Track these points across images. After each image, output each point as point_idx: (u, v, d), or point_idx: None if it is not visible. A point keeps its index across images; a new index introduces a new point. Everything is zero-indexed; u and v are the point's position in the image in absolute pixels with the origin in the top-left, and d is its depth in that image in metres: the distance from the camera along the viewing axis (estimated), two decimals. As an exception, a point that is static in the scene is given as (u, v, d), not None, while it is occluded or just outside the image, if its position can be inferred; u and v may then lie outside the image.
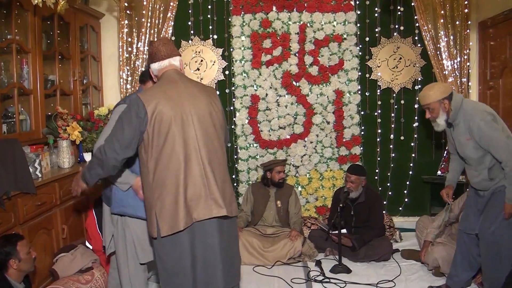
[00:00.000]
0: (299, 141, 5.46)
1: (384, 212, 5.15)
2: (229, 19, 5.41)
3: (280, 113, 5.44)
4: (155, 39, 5.01)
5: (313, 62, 5.39)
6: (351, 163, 5.21)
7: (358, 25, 5.41)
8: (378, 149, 5.55)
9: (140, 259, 3.18)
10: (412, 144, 5.48)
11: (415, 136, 5.51)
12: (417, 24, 5.26)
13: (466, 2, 5.02)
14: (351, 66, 5.40)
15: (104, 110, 4.72)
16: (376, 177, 5.58)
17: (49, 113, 4.37)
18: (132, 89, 5.09)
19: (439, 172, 5.39)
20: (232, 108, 5.47)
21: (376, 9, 5.42)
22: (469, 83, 5.18)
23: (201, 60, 5.45)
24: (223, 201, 2.62)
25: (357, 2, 5.39)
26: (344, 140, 5.45)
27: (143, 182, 2.70)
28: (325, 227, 4.67)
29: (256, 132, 5.44)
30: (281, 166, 4.98)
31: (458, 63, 5.08)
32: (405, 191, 5.59)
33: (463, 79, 5.10)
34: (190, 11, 5.40)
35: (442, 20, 5.01)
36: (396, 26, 5.41)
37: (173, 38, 5.34)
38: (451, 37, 5.04)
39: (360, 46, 5.45)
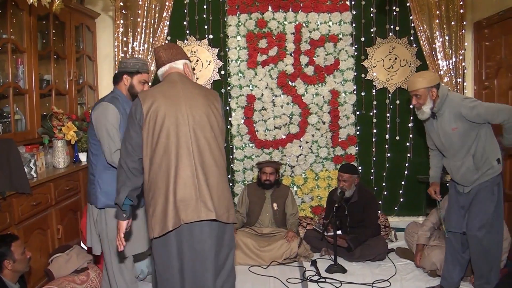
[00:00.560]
0: (294, 141, 5.47)
1: (379, 211, 5.17)
2: (225, 19, 5.40)
3: (275, 113, 5.44)
4: (155, 43, 5.03)
5: (309, 62, 5.40)
6: (346, 163, 5.22)
7: (354, 25, 5.42)
8: (373, 149, 5.56)
9: (124, 252, 3.23)
10: (408, 144, 5.50)
11: (411, 136, 5.53)
12: (412, 25, 5.27)
13: (461, 3, 5.03)
14: (346, 66, 5.40)
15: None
16: (371, 177, 5.59)
17: (45, 113, 4.36)
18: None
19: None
20: (227, 108, 5.47)
21: (371, 9, 5.42)
22: (465, 83, 5.21)
23: (197, 60, 5.45)
24: (214, 204, 2.54)
25: (353, 2, 5.39)
26: (339, 140, 5.46)
27: (143, 183, 2.68)
28: (319, 228, 4.68)
29: (251, 132, 5.44)
30: (270, 168, 4.95)
31: (453, 63, 5.09)
32: (400, 191, 5.61)
33: (458, 79, 5.11)
34: (185, 11, 5.39)
35: (437, 21, 5.02)
36: (392, 26, 5.42)
37: (168, 38, 5.33)
38: (447, 38, 5.06)
39: (356, 46, 5.46)
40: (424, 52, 5.15)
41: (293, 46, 5.38)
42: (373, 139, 5.55)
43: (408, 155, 5.54)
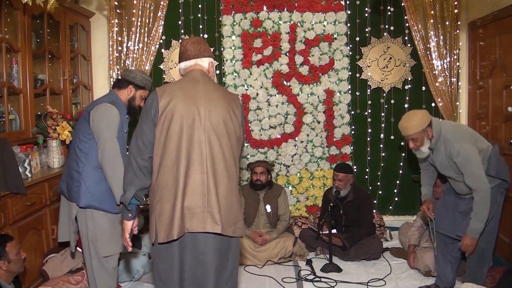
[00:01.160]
0: (289, 141, 5.47)
1: (374, 210, 5.19)
2: (220, 19, 5.40)
3: (270, 112, 5.44)
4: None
5: (304, 61, 5.40)
6: (341, 162, 5.23)
7: (349, 25, 5.42)
8: (368, 149, 5.56)
9: (102, 253, 3.21)
10: (402, 143, 5.50)
11: (405, 135, 5.53)
12: (407, 24, 5.28)
13: (455, 3, 5.05)
14: (341, 66, 5.41)
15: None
16: (366, 176, 5.59)
17: (39, 113, 4.33)
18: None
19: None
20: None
21: (366, 9, 5.43)
22: (459, 83, 5.22)
23: (192, 60, 5.42)
24: (221, 217, 2.42)
25: (348, 2, 5.40)
26: (334, 139, 5.47)
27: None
28: (315, 227, 4.68)
29: (247, 132, 5.44)
30: (260, 167, 4.90)
31: (448, 63, 5.12)
32: (395, 190, 5.61)
33: (453, 79, 5.13)
34: (180, 10, 5.38)
35: (432, 20, 5.04)
36: (386, 26, 5.43)
37: (163, 37, 5.33)
38: (441, 37, 5.08)
39: (351, 46, 5.46)
40: (419, 52, 5.17)
41: (288, 45, 5.38)
42: (368, 139, 5.55)
43: (403, 154, 5.55)
